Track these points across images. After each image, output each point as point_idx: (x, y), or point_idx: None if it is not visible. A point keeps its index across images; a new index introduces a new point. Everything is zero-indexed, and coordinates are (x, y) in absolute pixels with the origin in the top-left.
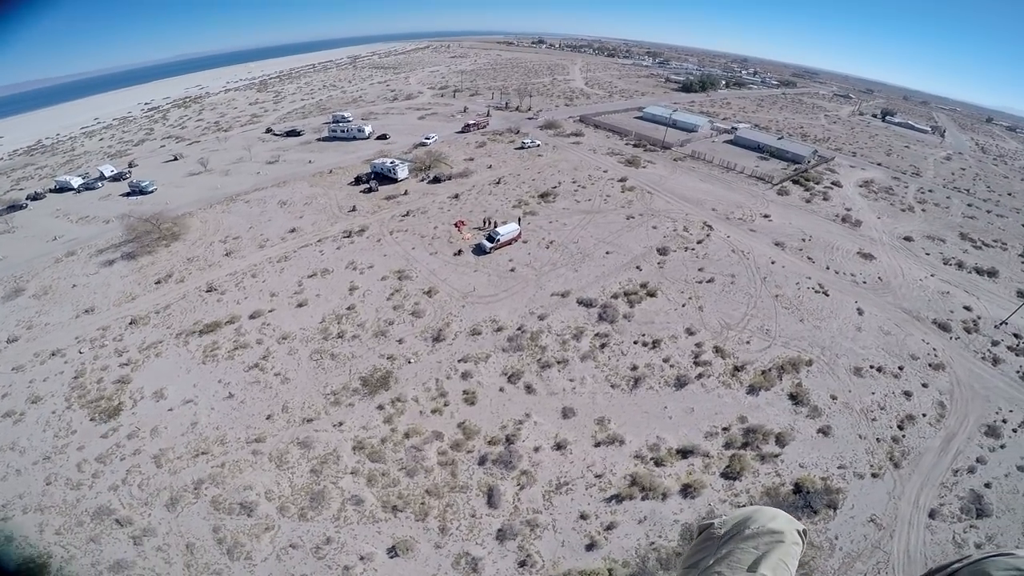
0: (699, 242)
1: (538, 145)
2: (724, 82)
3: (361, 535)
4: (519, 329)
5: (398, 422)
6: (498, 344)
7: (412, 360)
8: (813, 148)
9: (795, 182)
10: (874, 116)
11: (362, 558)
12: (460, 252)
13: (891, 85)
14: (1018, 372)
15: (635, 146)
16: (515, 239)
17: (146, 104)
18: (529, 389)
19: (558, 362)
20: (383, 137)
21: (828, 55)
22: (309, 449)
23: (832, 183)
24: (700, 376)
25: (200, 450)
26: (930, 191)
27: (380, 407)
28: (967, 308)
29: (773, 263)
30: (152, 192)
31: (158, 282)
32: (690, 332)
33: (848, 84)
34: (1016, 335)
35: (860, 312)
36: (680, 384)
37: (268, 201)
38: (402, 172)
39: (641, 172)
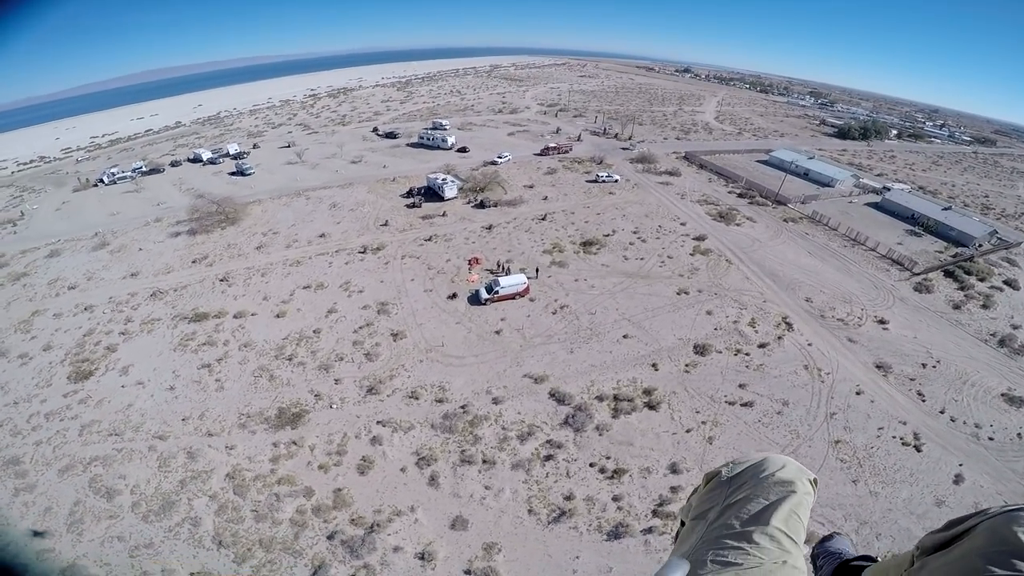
0: (762, 345)
1: (615, 180)
2: (895, 132)
3: (178, 552)
4: (462, 407)
5: (282, 464)
6: (430, 417)
7: (335, 406)
8: (991, 228)
9: (948, 274)
10: None
11: (163, 571)
12: (455, 296)
13: None
14: None
15: (740, 195)
16: (520, 294)
17: (310, 91)
18: (433, 481)
19: (484, 461)
20: (463, 150)
21: None
22: (193, 460)
23: (1006, 281)
24: (649, 531)
25: (116, 431)
26: None
27: (275, 444)
28: None
29: (859, 394)
30: (250, 175)
31: (194, 261)
32: (674, 470)
33: None
34: None
35: (958, 480)
36: (615, 535)
37: (323, 201)
38: (449, 191)
39: (731, 231)
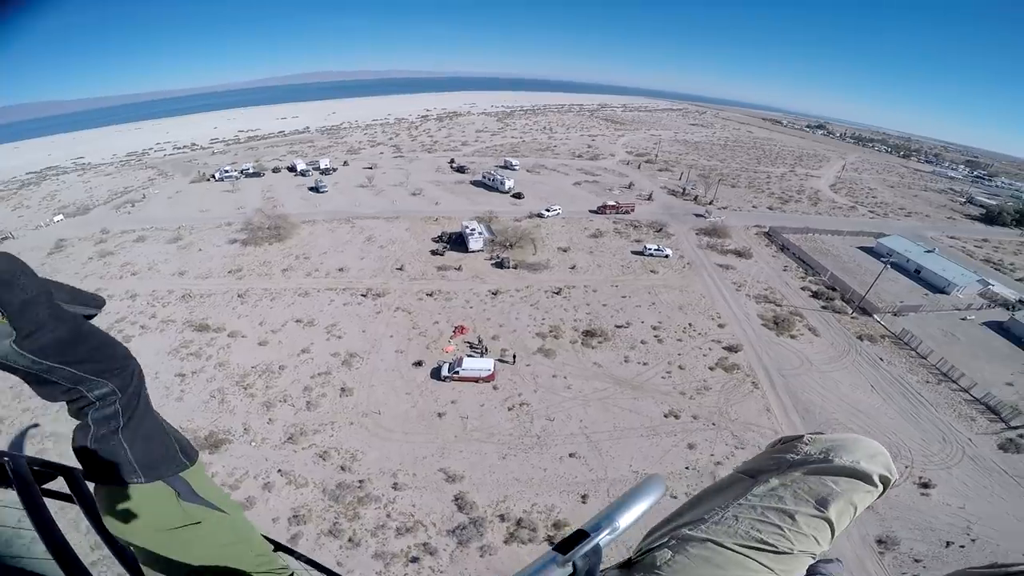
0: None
1: (665, 256)
2: None
3: None
4: (360, 482)
5: None
6: (326, 481)
7: (254, 443)
8: None
9: None
10: None
11: None
12: (421, 363)
13: None
14: None
15: (815, 294)
16: (486, 379)
17: (425, 111)
18: (292, 540)
19: (349, 539)
20: (518, 196)
21: None
22: None
23: None
24: None
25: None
26: None
27: None
28: None
29: None
30: (323, 193)
31: (230, 272)
32: None
33: None
34: None
35: None
36: None
37: (364, 232)
38: (474, 243)
39: (780, 344)
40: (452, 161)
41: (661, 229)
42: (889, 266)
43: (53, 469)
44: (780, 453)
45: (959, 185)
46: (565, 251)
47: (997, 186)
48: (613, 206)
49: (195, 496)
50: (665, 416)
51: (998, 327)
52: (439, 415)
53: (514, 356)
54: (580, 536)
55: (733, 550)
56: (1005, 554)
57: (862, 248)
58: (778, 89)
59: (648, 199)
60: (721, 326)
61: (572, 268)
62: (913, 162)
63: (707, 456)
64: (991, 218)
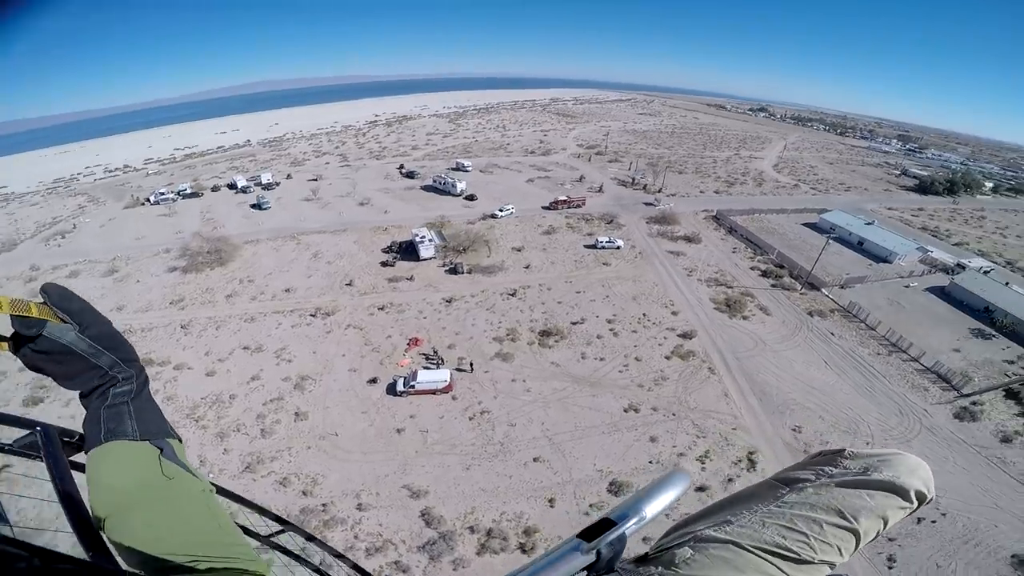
0: (700, 489)
1: (617, 247)
2: (991, 185)
3: None
4: (324, 505)
5: None
6: (289, 507)
7: (212, 475)
8: None
9: (1011, 394)
10: None
11: None
12: (375, 380)
13: None
14: None
15: (765, 273)
16: (444, 390)
17: (374, 116)
18: None
19: (321, 562)
20: (471, 198)
21: None
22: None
23: None
24: None
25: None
26: None
27: None
28: None
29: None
30: (266, 209)
31: (171, 303)
32: None
33: None
34: None
35: None
36: None
37: (310, 248)
38: (425, 251)
39: (733, 326)
40: (401, 167)
41: (612, 221)
42: (832, 240)
43: (77, 438)
44: (819, 465)
45: (893, 159)
46: (519, 251)
47: (928, 158)
48: (565, 201)
49: (175, 458)
50: (625, 411)
51: (940, 292)
52: (398, 431)
53: (471, 364)
54: (606, 525)
55: (754, 553)
56: (975, 526)
57: (806, 224)
58: (722, 75)
59: (599, 191)
60: (675, 313)
61: (527, 268)
62: (850, 139)
63: (669, 448)
64: (924, 188)
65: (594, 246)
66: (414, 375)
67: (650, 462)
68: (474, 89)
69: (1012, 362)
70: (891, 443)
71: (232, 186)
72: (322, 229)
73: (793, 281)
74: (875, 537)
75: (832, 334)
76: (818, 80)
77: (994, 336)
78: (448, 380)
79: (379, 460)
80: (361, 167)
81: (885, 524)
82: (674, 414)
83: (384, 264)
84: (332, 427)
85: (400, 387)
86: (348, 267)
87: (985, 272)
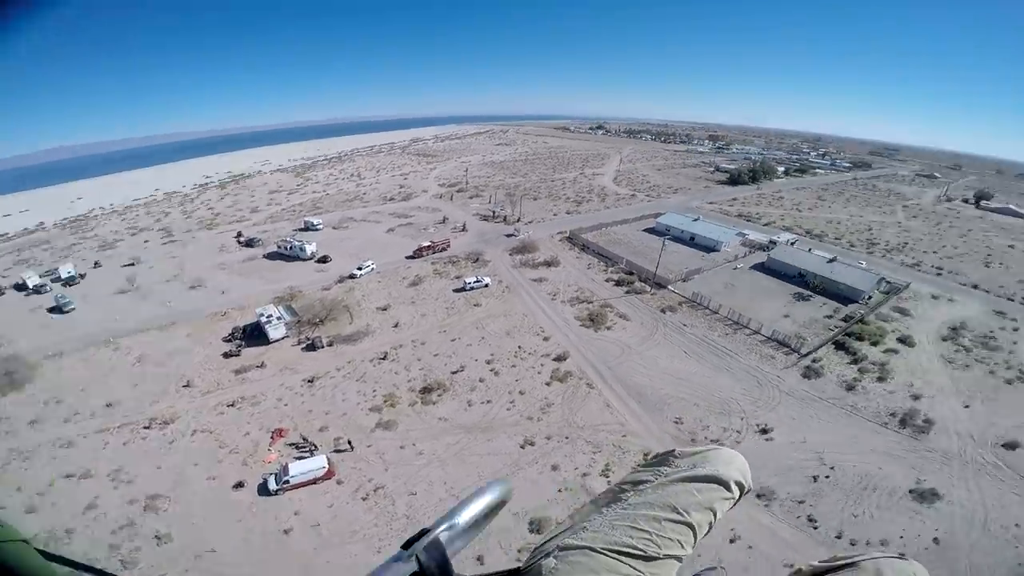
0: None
1: (486, 285)
2: (783, 169)
3: None
4: None
5: None
6: None
7: None
8: (878, 276)
9: (839, 346)
10: (965, 202)
11: None
12: (242, 484)
13: (984, 157)
14: None
15: (618, 283)
16: (324, 477)
17: (205, 178)
18: None
19: None
20: (323, 260)
21: (912, 126)
22: None
23: (901, 339)
24: None
25: None
26: None
27: None
28: None
29: (733, 542)
30: (69, 312)
31: None
32: None
33: (933, 160)
34: None
35: None
36: None
37: (132, 351)
38: (274, 332)
39: (601, 338)
40: (239, 235)
41: (478, 259)
42: (669, 240)
43: None
44: (655, 466)
45: (707, 158)
46: (385, 310)
47: (733, 152)
48: (429, 246)
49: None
50: (522, 447)
51: (762, 267)
52: (285, 532)
53: (350, 442)
54: (422, 533)
55: (607, 555)
56: (865, 472)
57: (647, 230)
58: (567, 96)
59: (463, 230)
60: (546, 339)
61: (396, 326)
62: (672, 145)
63: (572, 471)
64: (734, 180)
65: (463, 288)
66: (285, 469)
67: (559, 490)
68: (325, 137)
69: (831, 316)
70: (762, 414)
71: (20, 287)
72: (144, 326)
73: (643, 285)
74: (708, 530)
75: (685, 325)
76: (644, 92)
77: (811, 296)
78: (326, 466)
79: (273, 569)
80: (190, 241)
81: (715, 515)
82: (567, 437)
83: (227, 355)
84: (205, 544)
85: (272, 485)
86: (183, 366)
87: (792, 243)
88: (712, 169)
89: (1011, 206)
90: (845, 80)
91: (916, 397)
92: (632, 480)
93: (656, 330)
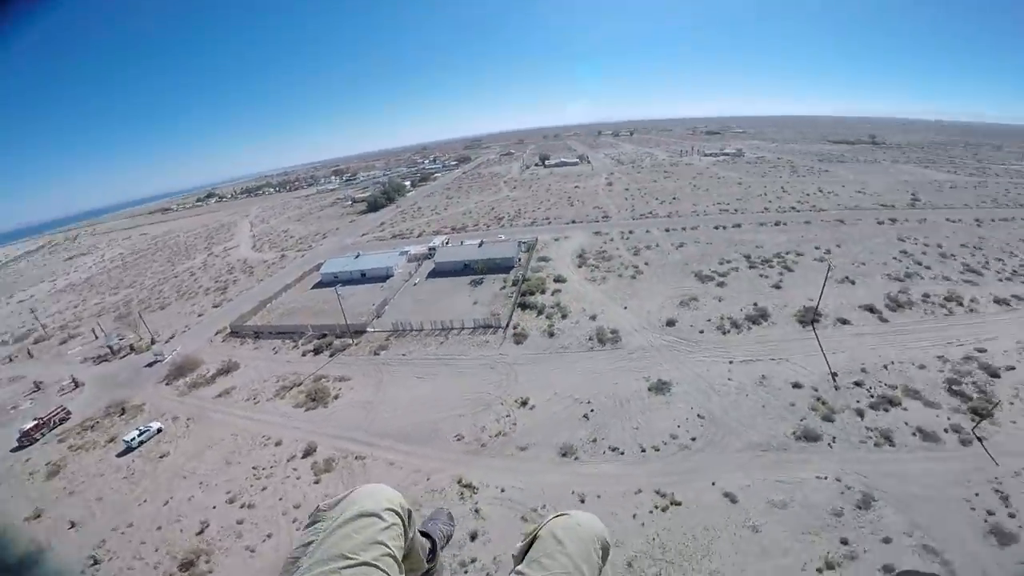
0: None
1: (158, 431)
2: (410, 183)
3: None
4: None
5: None
6: None
7: None
8: (516, 241)
9: (523, 306)
10: (537, 165)
11: None
12: None
13: (533, 128)
14: None
15: (317, 351)
16: None
17: None
18: None
19: None
20: None
21: (496, 114)
22: None
23: (557, 279)
24: None
25: None
26: (632, 233)
27: None
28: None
29: (583, 500)
30: None
31: None
32: None
33: (508, 138)
34: None
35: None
36: None
37: None
38: None
39: (336, 409)
40: None
41: (124, 409)
42: (342, 286)
43: None
44: (312, 526)
45: (340, 193)
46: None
47: (361, 181)
48: (40, 423)
49: None
50: None
51: (435, 273)
52: None
53: None
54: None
55: None
56: (610, 390)
57: (316, 286)
58: (144, 172)
59: (75, 386)
60: (279, 443)
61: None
62: (300, 191)
63: None
64: (374, 206)
65: (130, 448)
66: None
67: None
68: None
69: (503, 287)
70: (513, 389)
71: None
72: None
73: (343, 340)
74: (400, 558)
75: (403, 355)
76: (253, 142)
77: (482, 278)
78: None
79: None
80: None
81: (389, 547)
82: None
83: None
84: None
85: None
86: None
87: (447, 243)
88: (349, 202)
89: (563, 159)
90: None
91: (593, 317)
92: (300, 546)
93: (382, 373)
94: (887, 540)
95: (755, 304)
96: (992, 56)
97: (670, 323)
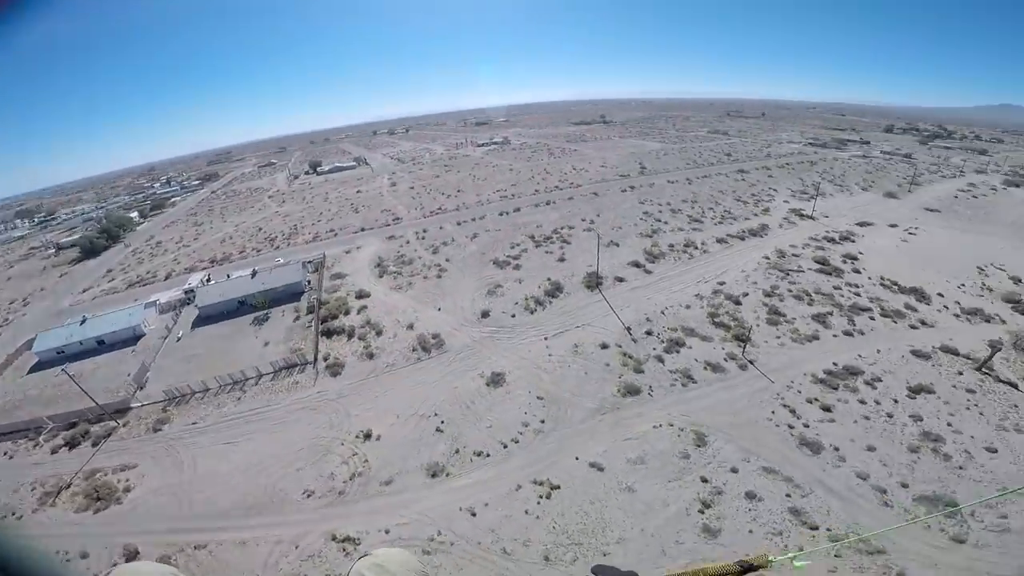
0: None
1: None
2: (138, 214)
3: None
4: None
5: None
6: None
7: None
8: (301, 262)
9: (328, 333)
10: (308, 173)
11: None
12: None
13: (297, 134)
14: None
15: (70, 446)
16: None
17: None
18: None
19: None
20: None
21: (253, 122)
22: None
23: (358, 295)
24: None
25: None
26: (426, 232)
27: None
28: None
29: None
30: None
31: None
32: None
33: (266, 147)
34: None
35: None
36: None
37: None
38: None
39: (133, 506)
40: None
41: None
42: (72, 363)
43: None
44: None
45: (34, 239)
46: None
47: (63, 220)
48: None
49: None
50: None
51: (201, 320)
52: None
53: None
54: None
55: None
56: (452, 396)
57: (33, 370)
58: None
59: None
60: (84, 557)
61: None
62: None
63: None
64: (89, 251)
65: None
66: None
67: None
68: None
69: (297, 318)
70: (351, 426)
71: None
72: None
73: (104, 424)
74: None
75: (195, 423)
76: None
77: (267, 313)
78: None
79: None
80: None
81: None
82: None
83: None
84: None
85: None
86: None
87: (208, 280)
88: (52, 251)
89: (337, 164)
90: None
91: (410, 326)
92: None
93: (176, 450)
94: (735, 470)
95: (549, 279)
96: (687, 42)
97: (485, 314)
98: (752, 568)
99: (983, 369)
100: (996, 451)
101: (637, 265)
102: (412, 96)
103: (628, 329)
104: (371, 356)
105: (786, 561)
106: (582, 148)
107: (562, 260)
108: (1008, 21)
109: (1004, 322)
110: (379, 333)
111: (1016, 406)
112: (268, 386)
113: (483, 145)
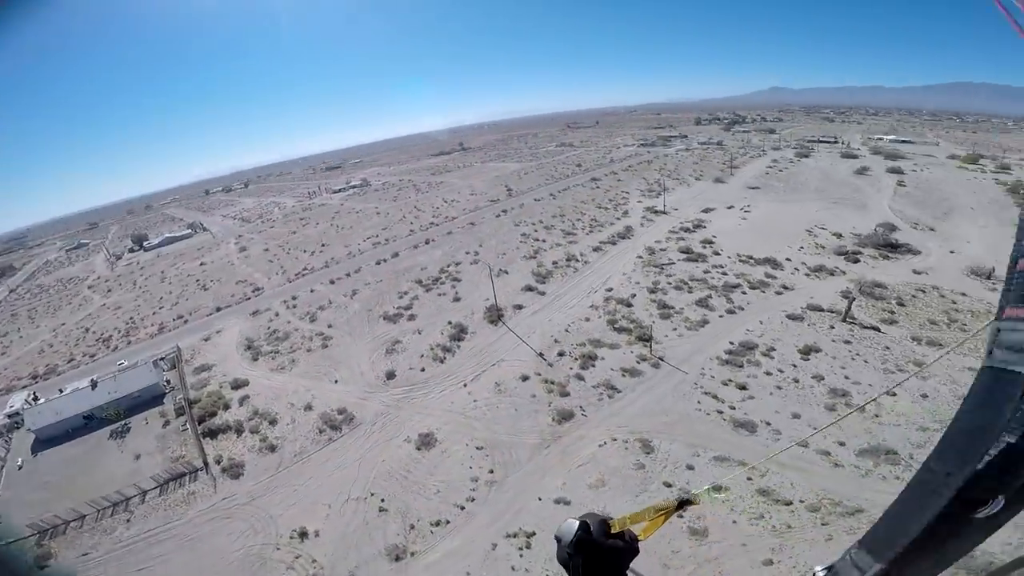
0: None
1: None
2: None
3: None
4: None
5: None
6: None
7: None
8: (151, 360)
9: (210, 434)
10: (133, 251)
11: None
12: None
13: (108, 205)
14: None
15: None
16: None
17: None
18: None
19: None
20: None
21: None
22: None
23: (235, 383)
24: None
25: None
26: (296, 299)
27: None
28: None
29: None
30: None
31: None
32: None
33: (71, 225)
34: None
35: None
36: None
37: None
38: None
39: None
40: None
41: None
42: None
43: None
44: None
45: None
46: None
47: None
48: None
49: None
50: None
51: (40, 441)
52: None
53: None
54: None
55: None
56: (387, 468)
57: None
58: None
59: None
60: None
61: None
62: None
63: None
64: None
65: None
66: None
67: None
68: None
69: (166, 423)
70: (284, 521)
71: None
72: None
73: None
74: None
75: (84, 554)
76: None
77: (126, 427)
78: None
79: None
80: None
81: None
82: None
83: None
84: None
85: None
86: None
87: (34, 401)
88: None
89: (168, 235)
90: None
91: (308, 407)
92: None
93: None
94: (690, 467)
95: (449, 322)
96: (522, 64)
97: (390, 375)
98: (688, 502)
99: (847, 319)
100: (895, 395)
101: (530, 288)
102: (242, 147)
103: (541, 355)
104: (272, 448)
105: (704, 494)
106: (448, 179)
107: (457, 300)
108: (776, 20)
109: (844, 272)
110: (273, 422)
111: (888, 348)
112: (158, 503)
113: (340, 191)
